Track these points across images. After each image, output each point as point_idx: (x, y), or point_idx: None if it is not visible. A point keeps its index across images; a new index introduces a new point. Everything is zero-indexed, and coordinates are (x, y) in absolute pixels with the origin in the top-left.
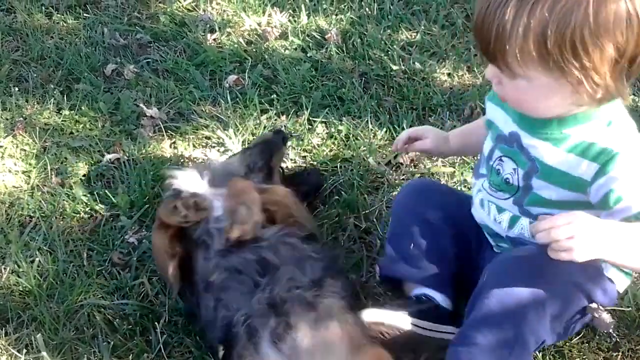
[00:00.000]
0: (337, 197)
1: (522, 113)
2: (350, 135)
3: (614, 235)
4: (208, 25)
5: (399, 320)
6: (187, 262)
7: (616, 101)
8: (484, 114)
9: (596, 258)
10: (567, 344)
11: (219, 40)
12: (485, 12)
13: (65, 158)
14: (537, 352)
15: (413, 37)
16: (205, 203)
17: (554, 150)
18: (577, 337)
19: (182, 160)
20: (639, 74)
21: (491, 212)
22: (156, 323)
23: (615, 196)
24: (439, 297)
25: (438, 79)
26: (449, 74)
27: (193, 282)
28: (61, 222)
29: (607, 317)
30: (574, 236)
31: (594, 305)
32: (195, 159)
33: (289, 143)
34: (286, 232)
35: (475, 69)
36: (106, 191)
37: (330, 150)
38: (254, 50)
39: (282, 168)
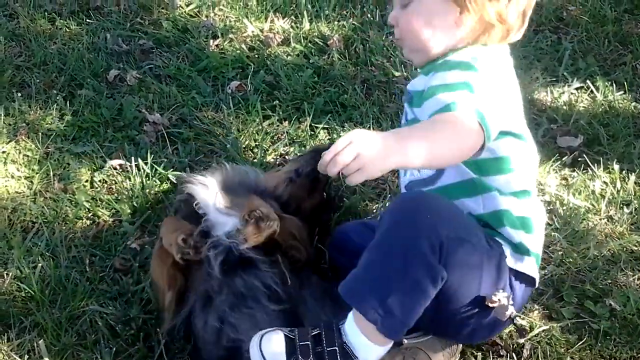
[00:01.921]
0: (339, 203)
1: (417, 52)
2: None
3: (398, 140)
4: (210, 31)
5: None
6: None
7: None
8: None
9: (392, 167)
10: (569, 350)
11: (222, 46)
12: None
13: (68, 164)
14: (541, 359)
15: None
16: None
17: (421, 78)
18: (580, 343)
19: (184, 167)
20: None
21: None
22: (158, 329)
23: (428, 91)
24: None
25: None
26: None
27: (186, 299)
28: (63, 228)
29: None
30: (358, 154)
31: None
32: (201, 165)
33: None
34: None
35: None
36: (108, 197)
37: None
38: (257, 56)
39: (326, 189)
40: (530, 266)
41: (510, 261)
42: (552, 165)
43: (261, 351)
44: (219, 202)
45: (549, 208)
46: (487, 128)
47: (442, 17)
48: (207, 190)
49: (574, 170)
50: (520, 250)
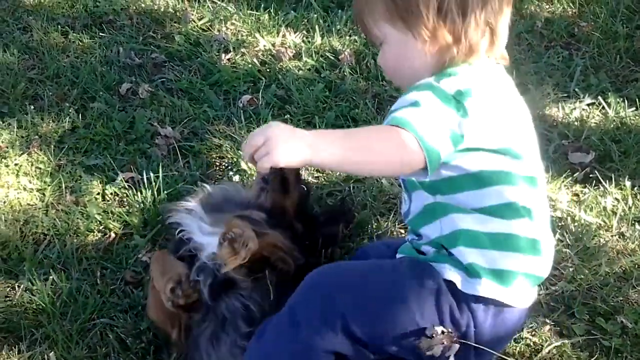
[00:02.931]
0: (351, 217)
1: (405, 85)
2: None
3: (316, 135)
4: (222, 45)
5: None
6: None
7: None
8: None
9: (301, 159)
10: None
11: (233, 60)
12: None
13: (80, 176)
14: None
15: None
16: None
17: None
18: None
19: (195, 181)
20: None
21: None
22: (167, 343)
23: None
24: None
25: None
26: None
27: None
28: (75, 240)
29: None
30: (268, 139)
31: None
32: (208, 178)
33: None
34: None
35: None
36: (120, 210)
37: None
38: (268, 70)
39: (300, 178)
40: (488, 288)
41: (464, 286)
42: (563, 182)
43: None
44: (204, 224)
45: (560, 224)
46: (429, 149)
47: (410, 48)
48: (192, 215)
49: (585, 187)
50: (471, 272)
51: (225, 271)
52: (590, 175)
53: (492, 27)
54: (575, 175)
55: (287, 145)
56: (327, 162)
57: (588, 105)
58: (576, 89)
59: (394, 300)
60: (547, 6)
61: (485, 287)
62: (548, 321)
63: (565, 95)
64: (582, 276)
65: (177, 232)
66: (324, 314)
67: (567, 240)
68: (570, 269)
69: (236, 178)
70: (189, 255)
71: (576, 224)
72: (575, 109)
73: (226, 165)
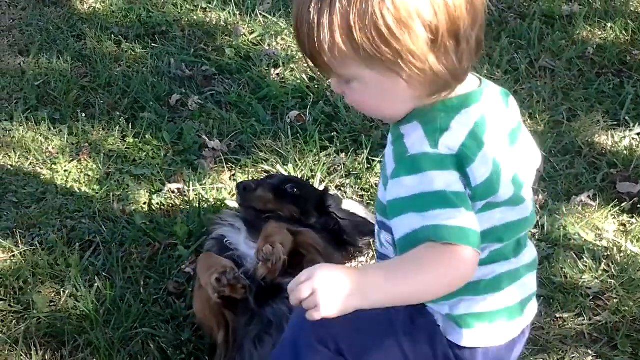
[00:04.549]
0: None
1: (378, 118)
2: None
3: (360, 281)
4: (272, 60)
5: None
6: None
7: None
8: None
9: (351, 308)
10: None
11: (283, 75)
12: (297, 16)
13: (128, 185)
14: None
15: None
16: (242, 283)
17: (387, 148)
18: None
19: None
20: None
21: None
22: (207, 357)
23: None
24: None
25: None
26: None
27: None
28: (120, 249)
29: None
30: (315, 291)
31: None
32: None
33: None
34: None
35: (537, 115)
36: (165, 220)
37: None
38: (316, 86)
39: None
40: (474, 336)
41: (452, 336)
42: (610, 211)
43: None
44: (248, 235)
45: (605, 254)
46: (477, 242)
47: (391, 87)
48: (235, 227)
49: (632, 217)
50: (460, 323)
51: (269, 280)
52: (639, 206)
53: (482, 42)
54: (622, 205)
55: (335, 299)
56: (380, 304)
57: (638, 134)
58: (626, 118)
59: (387, 336)
60: (600, 32)
61: (471, 335)
62: (590, 352)
63: (615, 123)
64: (627, 308)
65: (224, 241)
66: (319, 335)
67: (613, 270)
68: (615, 300)
69: None
70: (233, 260)
71: (622, 254)
72: (625, 137)
73: None
